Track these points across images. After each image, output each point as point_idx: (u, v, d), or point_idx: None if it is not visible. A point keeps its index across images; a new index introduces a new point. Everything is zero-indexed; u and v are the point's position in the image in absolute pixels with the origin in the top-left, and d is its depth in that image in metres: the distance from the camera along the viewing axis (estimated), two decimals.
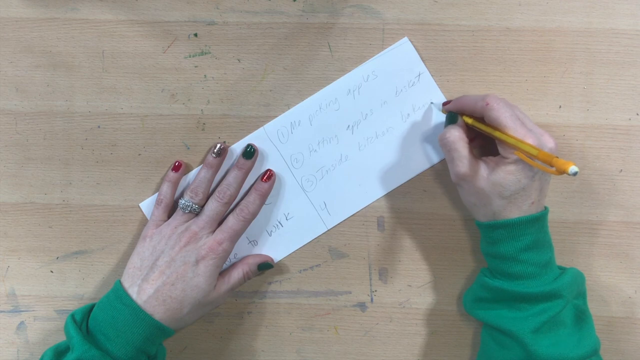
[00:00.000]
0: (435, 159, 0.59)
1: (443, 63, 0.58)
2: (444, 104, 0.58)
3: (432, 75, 0.58)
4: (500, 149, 0.52)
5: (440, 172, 0.59)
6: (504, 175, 0.51)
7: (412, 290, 0.60)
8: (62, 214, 0.60)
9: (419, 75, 0.58)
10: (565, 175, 0.46)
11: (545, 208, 0.54)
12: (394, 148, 0.59)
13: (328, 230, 0.60)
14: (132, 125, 0.60)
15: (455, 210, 0.59)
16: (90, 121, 0.60)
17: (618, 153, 0.58)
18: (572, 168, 0.45)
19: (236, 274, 0.58)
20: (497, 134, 0.52)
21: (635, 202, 0.58)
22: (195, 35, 0.59)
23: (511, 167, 0.51)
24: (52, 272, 0.61)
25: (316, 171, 0.59)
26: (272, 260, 0.60)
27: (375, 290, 0.60)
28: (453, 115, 0.56)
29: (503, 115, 0.51)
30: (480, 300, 0.55)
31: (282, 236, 0.60)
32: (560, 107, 0.58)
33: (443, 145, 0.54)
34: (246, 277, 0.58)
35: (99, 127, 0.60)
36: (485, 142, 0.57)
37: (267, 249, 0.60)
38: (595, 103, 0.58)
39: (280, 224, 0.60)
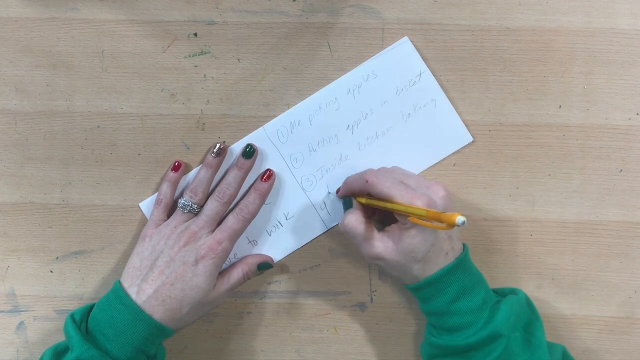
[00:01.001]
0: (435, 158, 0.59)
1: (443, 63, 0.58)
2: (337, 190, 0.59)
3: (433, 75, 0.58)
4: (397, 217, 0.53)
5: (441, 172, 0.59)
6: (410, 242, 0.51)
7: None
8: (62, 214, 0.60)
9: (420, 74, 0.58)
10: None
11: (464, 248, 0.54)
12: (395, 148, 0.59)
13: (328, 230, 0.60)
14: (132, 125, 0.60)
15: (455, 210, 0.59)
16: (90, 121, 0.60)
17: (618, 153, 0.58)
18: (459, 219, 0.46)
19: (236, 274, 0.58)
20: (388, 205, 0.52)
21: (635, 202, 0.58)
22: (195, 35, 0.59)
23: (412, 232, 0.51)
24: (52, 272, 0.61)
25: (316, 171, 0.59)
26: (272, 260, 0.60)
27: (375, 290, 0.60)
28: (347, 200, 0.56)
29: (384, 186, 0.52)
30: (433, 357, 0.54)
31: (282, 236, 0.60)
32: (560, 107, 0.58)
33: (345, 233, 0.54)
34: (246, 277, 0.58)
35: (99, 127, 0.60)
36: (385, 213, 0.56)
37: (267, 249, 0.60)
38: (595, 103, 0.58)
39: (280, 224, 0.60)
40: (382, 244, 0.53)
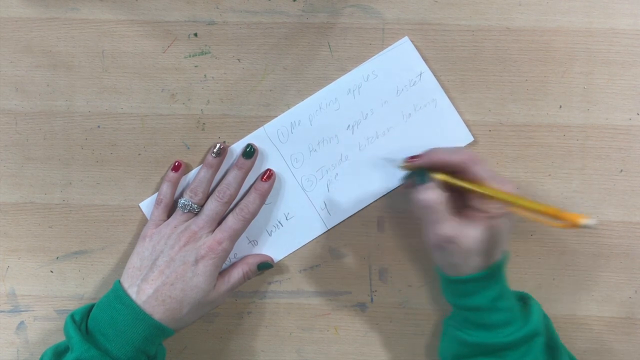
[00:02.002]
0: None
1: (443, 63, 0.58)
2: (410, 159, 0.54)
3: (433, 75, 0.58)
4: (477, 203, 0.51)
5: None
6: (494, 232, 0.50)
7: (412, 290, 0.60)
8: (62, 214, 0.60)
9: (421, 74, 0.58)
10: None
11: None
12: (395, 148, 0.59)
13: (328, 230, 0.60)
14: (132, 125, 0.60)
15: None
16: (90, 121, 0.60)
17: (618, 153, 0.58)
18: (589, 221, 0.43)
19: (236, 274, 0.58)
20: (493, 192, 0.49)
21: (635, 202, 0.58)
22: (195, 35, 0.59)
23: (492, 221, 0.50)
24: (52, 272, 0.61)
25: (316, 171, 0.59)
26: (272, 260, 0.60)
27: (375, 290, 0.60)
28: (423, 173, 0.52)
29: (485, 170, 0.51)
30: (460, 357, 0.53)
31: (282, 236, 0.60)
32: (560, 107, 0.58)
33: (424, 207, 0.51)
34: (246, 277, 0.58)
35: (99, 127, 0.60)
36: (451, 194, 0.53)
37: (267, 249, 0.60)
38: (595, 103, 0.58)
39: (280, 223, 0.60)
40: (459, 227, 0.50)
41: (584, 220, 0.43)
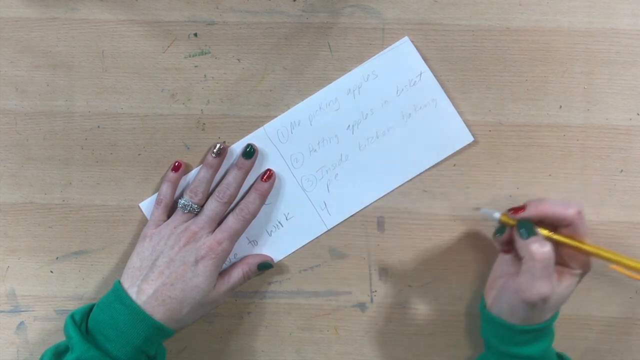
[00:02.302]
0: (435, 159, 0.59)
1: (443, 63, 0.58)
2: (514, 210, 0.52)
3: (433, 75, 0.58)
4: (570, 260, 0.51)
5: (441, 172, 0.59)
6: (570, 289, 0.51)
7: (412, 290, 0.60)
8: (62, 214, 0.60)
9: (421, 74, 0.58)
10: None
11: None
12: (395, 148, 0.59)
13: (328, 230, 0.60)
14: (132, 125, 0.60)
15: (455, 210, 0.59)
16: (90, 121, 0.60)
17: (618, 153, 0.58)
18: None
19: (236, 274, 0.58)
20: (591, 249, 0.49)
21: (635, 202, 0.58)
22: (195, 35, 0.59)
23: (575, 279, 0.51)
24: (52, 272, 0.61)
25: (316, 171, 0.59)
26: (272, 260, 0.60)
27: (375, 290, 0.60)
28: (530, 226, 0.50)
29: (585, 225, 0.50)
30: None
31: (282, 236, 0.60)
32: (560, 107, 0.58)
33: (540, 261, 0.49)
34: (246, 277, 0.58)
35: (99, 127, 0.60)
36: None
37: (267, 249, 0.60)
38: (595, 103, 0.58)
39: (280, 224, 0.60)
40: (554, 284, 0.50)
41: None
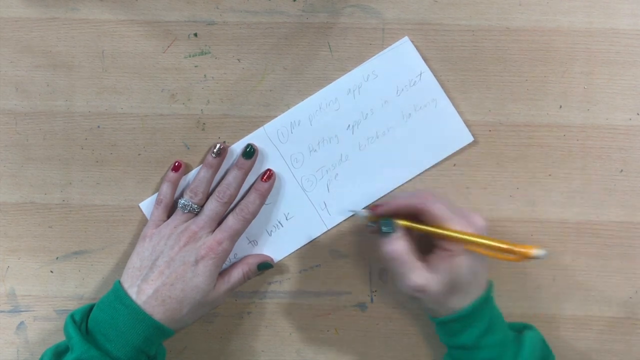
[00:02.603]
0: (435, 158, 0.59)
1: (443, 63, 0.58)
2: (372, 208, 0.54)
3: (433, 75, 0.58)
4: (444, 244, 0.51)
5: (441, 172, 0.59)
6: (456, 271, 0.50)
7: None
8: (62, 214, 0.60)
9: (421, 74, 0.58)
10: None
11: (489, 282, 0.53)
12: (395, 148, 0.59)
13: (328, 230, 0.60)
14: (132, 125, 0.60)
15: None
16: (90, 121, 0.60)
17: (618, 153, 0.58)
18: (539, 252, 0.44)
19: (236, 274, 0.58)
20: (444, 232, 0.50)
21: (635, 202, 0.58)
22: (195, 35, 0.59)
23: (459, 260, 0.50)
24: (52, 272, 0.61)
25: (316, 171, 0.59)
26: (272, 260, 0.60)
27: (375, 290, 0.60)
28: (389, 222, 0.52)
29: (441, 209, 0.50)
30: None
31: (282, 236, 0.60)
32: (560, 107, 0.58)
33: (392, 260, 0.51)
34: (246, 277, 0.58)
35: (99, 127, 0.60)
36: (417, 238, 0.54)
37: (267, 249, 0.60)
38: (595, 103, 0.58)
39: (280, 224, 0.60)
40: (427, 274, 0.50)
41: (535, 252, 0.44)
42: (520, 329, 0.54)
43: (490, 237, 0.49)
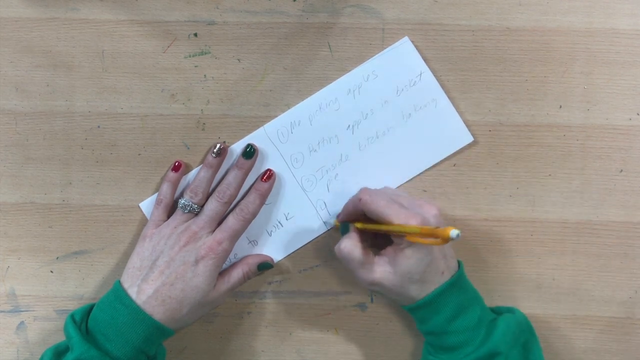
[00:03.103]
0: (435, 158, 0.59)
1: (443, 63, 0.58)
2: (337, 215, 0.58)
3: (433, 75, 0.58)
4: (393, 238, 0.53)
5: (441, 172, 0.59)
6: (405, 262, 0.51)
7: None
8: (62, 214, 0.60)
9: (421, 74, 0.58)
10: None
11: (459, 265, 0.54)
12: (395, 148, 0.59)
13: (328, 230, 0.60)
14: (132, 125, 0.60)
15: (455, 210, 0.59)
16: (90, 121, 0.60)
17: (618, 153, 0.58)
18: (453, 232, 0.45)
19: (236, 274, 0.58)
20: (383, 227, 0.52)
21: (635, 202, 0.58)
22: (195, 35, 0.59)
23: (408, 252, 0.51)
24: (52, 272, 0.61)
25: (316, 171, 0.59)
26: (272, 260, 0.60)
27: None
28: (344, 225, 0.56)
29: (378, 205, 0.52)
30: None
31: (282, 236, 0.60)
32: (560, 107, 0.58)
33: (341, 258, 0.53)
34: (246, 277, 0.58)
35: (99, 127, 0.60)
36: (382, 238, 0.56)
37: (267, 249, 0.60)
38: (595, 103, 0.58)
39: (280, 224, 0.60)
40: (378, 268, 0.52)
41: (450, 232, 0.45)
42: (501, 313, 0.55)
43: (415, 226, 0.49)
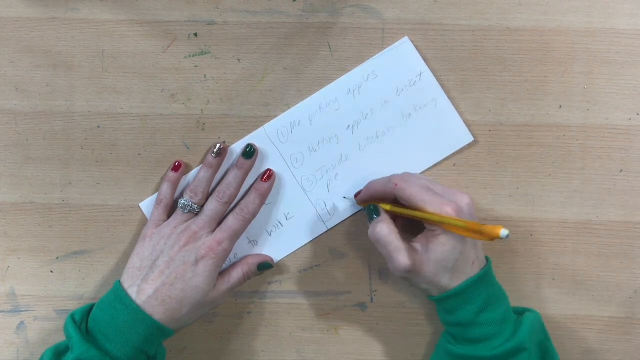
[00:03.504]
0: (435, 158, 0.59)
1: (443, 63, 0.58)
2: (356, 195, 0.57)
3: (433, 75, 0.58)
4: (426, 225, 0.52)
5: (441, 172, 0.59)
6: (440, 250, 0.51)
7: (412, 290, 0.60)
8: (62, 214, 0.60)
9: (420, 74, 0.58)
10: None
11: (487, 260, 0.54)
12: (395, 148, 0.59)
13: (328, 230, 0.60)
14: (132, 125, 0.60)
15: None
16: (90, 121, 0.60)
17: (618, 153, 0.58)
18: (503, 232, 0.45)
19: (236, 274, 0.58)
20: (418, 214, 0.51)
21: (635, 202, 0.58)
22: (195, 35, 0.59)
23: (442, 239, 0.51)
24: (52, 272, 0.61)
25: (316, 171, 0.59)
26: (272, 260, 0.60)
27: (375, 290, 0.60)
28: (373, 208, 0.54)
29: (414, 192, 0.51)
30: None
31: (282, 236, 0.60)
32: (560, 107, 0.58)
33: (376, 242, 0.53)
34: (246, 277, 0.58)
35: (99, 127, 0.60)
36: (407, 220, 0.55)
37: (267, 249, 0.60)
38: (595, 103, 0.58)
39: (280, 223, 0.60)
40: (414, 255, 0.52)
41: (502, 232, 0.45)
42: (521, 312, 0.55)
43: (460, 219, 0.49)
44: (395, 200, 0.54)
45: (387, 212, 0.54)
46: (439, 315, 0.55)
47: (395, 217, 0.55)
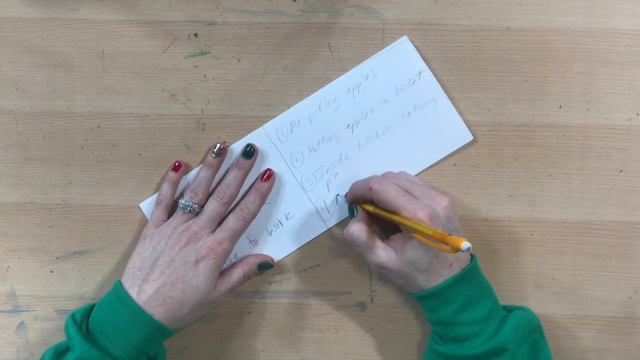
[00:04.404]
0: (435, 157, 0.59)
1: (443, 63, 0.58)
2: (346, 195, 0.59)
3: (433, 74, 0.58)
4: (401, 227, 0.53)
5: (441, 172, 0.59)
6: (412, 252, 0.52)
7: None
8: (62, 214, 0.60)
9: (420, 73, 0.58)
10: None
11: (472, 258, 0.54)
12: (395, 147, 0.59)
13: (328, 230, 0.60)
14: (132, 125, 0.60)
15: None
16: (90, 121, 0.60)
17: (618, 153, 0.58)
18: (464, 244, 0.45)
19: (236, 274, 0.58)
20: (394, 218, 0.52)
21: (635, 202, 0.58)
22: (195, 35, 0.59)
23: (415, 242, 0.51)
24: (52, 272, 0.61)
25: (316, 170, 0.59)
26: (272, 260, 0.60)
27: (375, 290, 0.60)
28: (351, 208, 0.56)
29: (388, 195, 0.52)
30: None
31: (282, 236, 0.60)
32: (560, 107, 0.58)
33: (349, 241, 0.55)
34: (246, 277, 0.58)
35: (99, 127, 0.60)
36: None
37: (267, 249, 0.60)
38: (595, 103, 0.58)
39: (281, 223, 0.60)
40: (385, 254, 0.53)
41: (462, 244, 0.45)
42: (511, 310, 0.55)
43: (429, 227, 0.49)
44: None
45: (366, 211, 0.55)
46: (424, 313, 0.55)
47: (378, 218, 0.56)
